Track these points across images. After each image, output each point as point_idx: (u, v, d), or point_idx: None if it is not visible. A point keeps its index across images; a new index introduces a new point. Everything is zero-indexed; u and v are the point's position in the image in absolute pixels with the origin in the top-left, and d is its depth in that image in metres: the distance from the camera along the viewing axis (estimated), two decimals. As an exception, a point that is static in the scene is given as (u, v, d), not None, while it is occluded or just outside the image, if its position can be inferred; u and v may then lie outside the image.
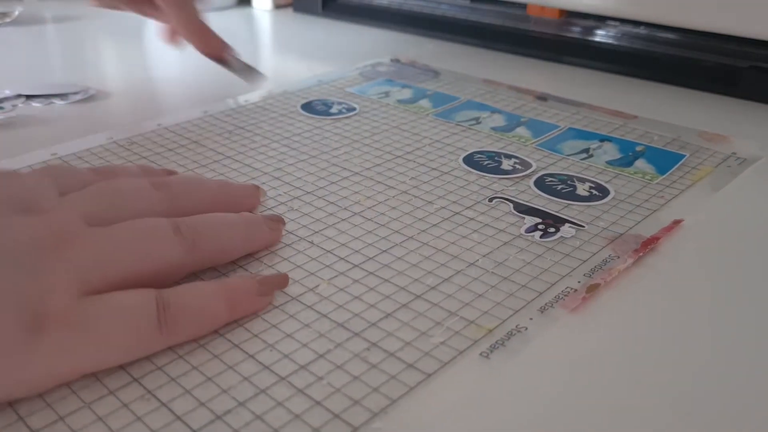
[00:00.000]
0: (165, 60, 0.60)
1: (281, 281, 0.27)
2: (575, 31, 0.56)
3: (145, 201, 0.27)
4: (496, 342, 0.24)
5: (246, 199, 0.32)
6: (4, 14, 0.67)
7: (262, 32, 0.70)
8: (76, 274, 0.23)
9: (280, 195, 0.34)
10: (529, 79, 0.52)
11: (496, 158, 0.38)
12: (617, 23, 0.55)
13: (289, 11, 0.74)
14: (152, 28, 0.70)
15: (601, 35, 0.55)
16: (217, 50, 0.44)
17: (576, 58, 0.55)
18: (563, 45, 0.56)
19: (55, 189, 0.26)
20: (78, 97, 0.47)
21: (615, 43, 0.54)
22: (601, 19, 0.56)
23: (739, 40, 0.48)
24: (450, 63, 0.55)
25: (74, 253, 0.23)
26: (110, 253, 0.24)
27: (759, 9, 0.46)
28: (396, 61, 0.56)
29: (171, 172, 0.33)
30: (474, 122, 0.43)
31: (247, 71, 0.45)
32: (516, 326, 0.25)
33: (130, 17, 0.73)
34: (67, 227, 0.24)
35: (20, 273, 0.22)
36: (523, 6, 0.60)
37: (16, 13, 0.68)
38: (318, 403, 0.21)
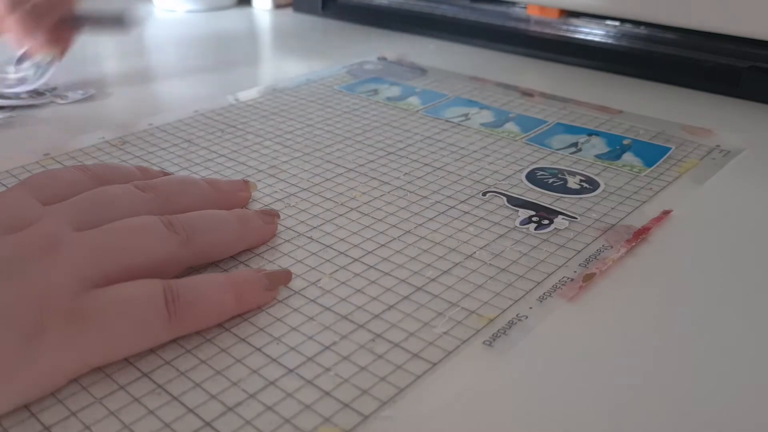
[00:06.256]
0: (165, 60, 0.60)
1: (286, 277, 0.27)
2: (574, 31, 0.57)
3: (132, 203, 0.27)
4: (498, 331, 0.25)
5: (237, 194, 0.32)
6: None
7: (262, 32, 0.70)
8: (72, 273, 0.23)
9: (276, 192, 0.34)
10: (515, 76, 0.53)
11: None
12: (617, 23, 0.55)
13: (289, 11, 0.74)
14: (152, 28, 0.69)
15: (600, 35, 0.55)
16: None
17: (575, 57, 0.55)
18: (562, 45, 0.56)
19: (36, 201, 0.26)
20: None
21: (615, 43, 0.54)
22: (601, 19, 0.56)
23: (739, 40, 0.48)
24: (450, 63, 0.55)
25: (66, 255, 0.23)
26: (103, 248, 0.24)
27: (759, 9, 0.46)
28: (382, 59, 0.56)
29: (165, 174, 0.33)
30: (463, 118, 0.44)
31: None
32: (516, 315, 0.25)
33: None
34: (55, 235, 0.24)
35: (12, 283, 0.22)
36: (523, 6, 0.60)
37: None
38: (327, 393, 0.22)
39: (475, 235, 0.31)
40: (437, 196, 0.34)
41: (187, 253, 0.26)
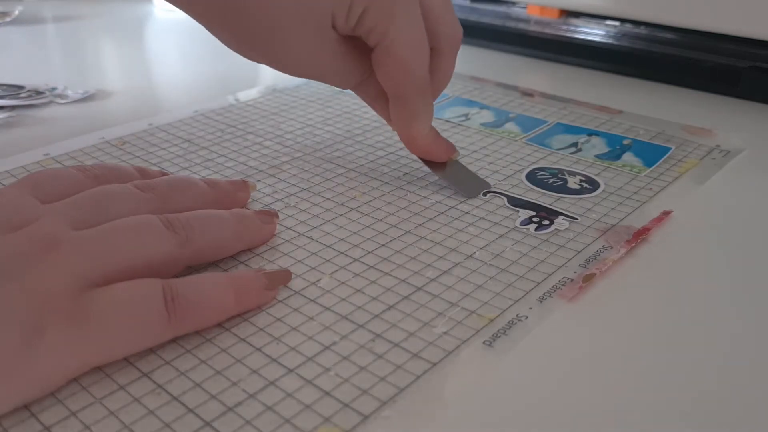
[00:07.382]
0: (165, 60, 0.60)
1: (285, 277, 0.27)
2: (574, 31, 0.56)
3: (131, 203, 0.27)
4: (498, 331, 0.25)
5: (236, 194, 0.32)
6: (4, 13, 0.67)
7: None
8: (71, 272, 0.23)
9: (276, 192, 0.34)
10: (515, 76, 0.53)
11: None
12: (617, 23, 0.55)
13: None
14: (152, 28, 0.70)
15: (600, 35, 0.55)
16: (440, 158, 0.35)
17: (575, 57, 0.55)
18: (562, 45, 0.56)
19: (35, 200, 0.26)
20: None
21: (615, 43, 0.54)
22: (601, 19, 0.56)
23: (739, 40, 0.48)
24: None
25: (65, 255, 0.23)
26: (102, 248, 0.24)
27: (759, 9, 0.46)
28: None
29: (165, 174, 0.33)
30: (463, 118, 0.44)
31: (464, 181, 0.35)
32: (516, 315, 0.25)
33: (130, 17, 0.73)
34: (53, 234, 0.24)
35: (11, 283, 0.22)
36: (523, 6, 0.60)
37: (16, 12, 0.68)
38: (327, 393, 0.22)
39: (475, 236, 0.31)
40: (437, 196, 0.34)
41: (186, 252, 0.26)
